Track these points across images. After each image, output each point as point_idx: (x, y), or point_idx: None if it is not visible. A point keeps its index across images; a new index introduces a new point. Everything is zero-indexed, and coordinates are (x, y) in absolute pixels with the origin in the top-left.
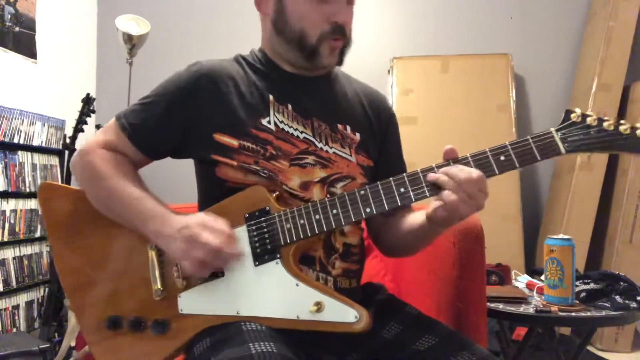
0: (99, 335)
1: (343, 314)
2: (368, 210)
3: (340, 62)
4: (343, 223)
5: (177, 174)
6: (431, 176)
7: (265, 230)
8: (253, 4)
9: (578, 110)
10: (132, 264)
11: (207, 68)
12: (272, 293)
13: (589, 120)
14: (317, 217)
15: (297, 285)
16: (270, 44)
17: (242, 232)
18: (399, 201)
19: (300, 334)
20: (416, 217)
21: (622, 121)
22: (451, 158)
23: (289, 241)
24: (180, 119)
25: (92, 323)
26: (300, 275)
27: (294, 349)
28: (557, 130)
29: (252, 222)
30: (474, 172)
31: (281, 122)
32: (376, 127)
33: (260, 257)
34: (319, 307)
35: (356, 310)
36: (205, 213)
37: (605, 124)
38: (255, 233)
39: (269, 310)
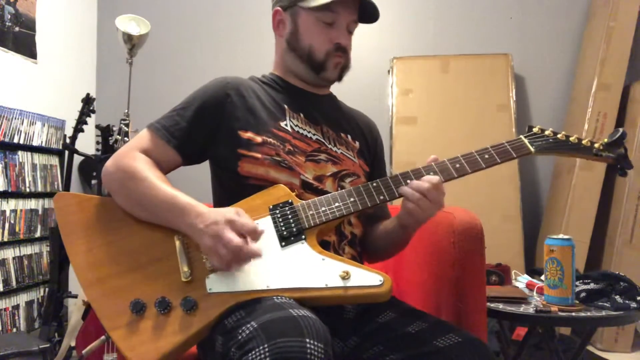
0: (122, 320)
1: (369, 278)
2: (382, 197)
3: (340, 78)
4: (360, 208)
5: (188, 177)
6: (403, 191)
7: (290, 216)
8: (253, 5)
9: (537, 126)
10: (156, 255)
11: (232, 78)
12: (301, 267)
13: (546, 132)
14: (337, 204)
15: (323, 259)
16: (282, 62)
17: (267, 220)
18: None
19: (317, 315)
20: (390, 223)
21: (570, 135)
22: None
23: (312, 224)
24: (210, 119)
25: (113, 309)
26: (325, 252)
27: None
28: (525, 137)
29: (277, 211)
30: (433, 179)
31: (296, 125)
32: (369, 140)
33: (287, 239)
34: (346, 274)
35: (380, 275)
36: (234, 207)
37: (558, 136)
38: (280, 219)
39: (299, 281)
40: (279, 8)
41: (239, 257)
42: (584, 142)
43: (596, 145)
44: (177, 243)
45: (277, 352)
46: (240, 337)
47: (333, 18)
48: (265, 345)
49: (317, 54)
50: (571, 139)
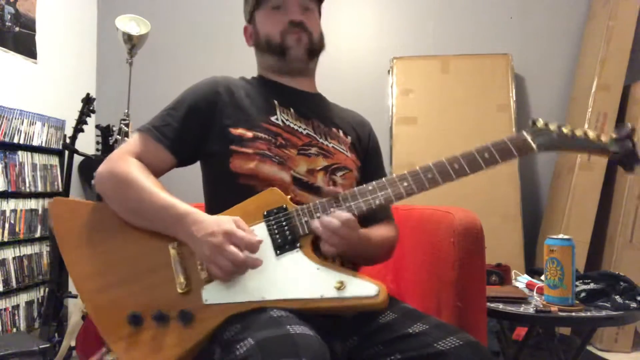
0: (121, 333)
1: (364, 288)
2: (377, 202)
3: (310, 55)
4: (356, 213)
5: (181, 177)
6: (313, 226)
7: (284, 223)
8: None
9: (541, 121)
10: (152, 264)
11: (221, 77)
12: (296, 278)
13: (551, 127)
14: (332, 210)
15: (318, 269)
16: (261, 66)
17: (261, 227)
18: (404, 193)
19: (314, 319)
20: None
21: (576, 129)
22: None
23: (307, 232)
24: (201, 118)
25: (112, 322)
26: (320, 261)
27: None
28: (527, 134)
29: (271, 218)
30: (343, 216)
31: (287, 120)
32: (361, 135)
33: (281, 247)
34: (341, 284)
35: (376, 284)
36: (230, 214)
37: (564, 130)
38: (275, 226)
39: (295, 292)
40: (246, 24)
41: (239, 270)
42: (591, 137)
43: (603, 140)
44: (172, 252)
45: None
46: (237, 352)
47: (279, 1)
48: None
49: (273, 38)
50: (577, 134)
